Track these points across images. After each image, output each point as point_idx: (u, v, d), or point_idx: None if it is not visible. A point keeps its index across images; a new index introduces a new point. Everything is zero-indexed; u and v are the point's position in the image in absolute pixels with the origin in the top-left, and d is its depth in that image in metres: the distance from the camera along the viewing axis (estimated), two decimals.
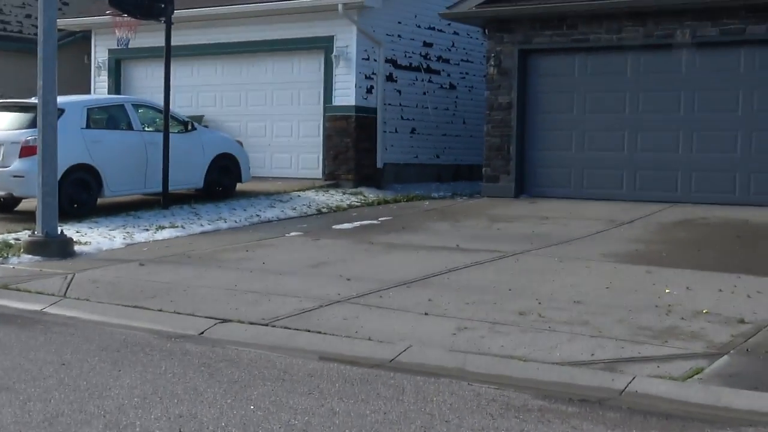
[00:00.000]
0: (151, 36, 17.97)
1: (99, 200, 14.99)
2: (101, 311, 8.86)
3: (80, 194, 14.57)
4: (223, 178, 16.77)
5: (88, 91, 21.47)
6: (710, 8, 14.94)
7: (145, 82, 20.92)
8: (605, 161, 16.12)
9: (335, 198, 17.04)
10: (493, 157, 16.93)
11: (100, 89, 21.49)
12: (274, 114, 19.62)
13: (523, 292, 9.00)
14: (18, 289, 9.70)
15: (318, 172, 18.99)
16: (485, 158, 17.09)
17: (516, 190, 16.75)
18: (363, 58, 18.49)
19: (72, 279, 10.10)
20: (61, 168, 13.56)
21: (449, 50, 20.82)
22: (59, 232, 11.75)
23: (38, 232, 11.65)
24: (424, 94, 20.15)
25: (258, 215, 14.92)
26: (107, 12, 16.08)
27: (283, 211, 15.43)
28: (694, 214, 14.12)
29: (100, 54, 21.55)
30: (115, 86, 21.44)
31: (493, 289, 9.16)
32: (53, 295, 9.51)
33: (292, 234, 13.16)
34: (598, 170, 16.22)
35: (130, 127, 15.54)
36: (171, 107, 15.62)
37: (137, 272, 10.51)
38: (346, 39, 18.40)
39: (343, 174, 18.52)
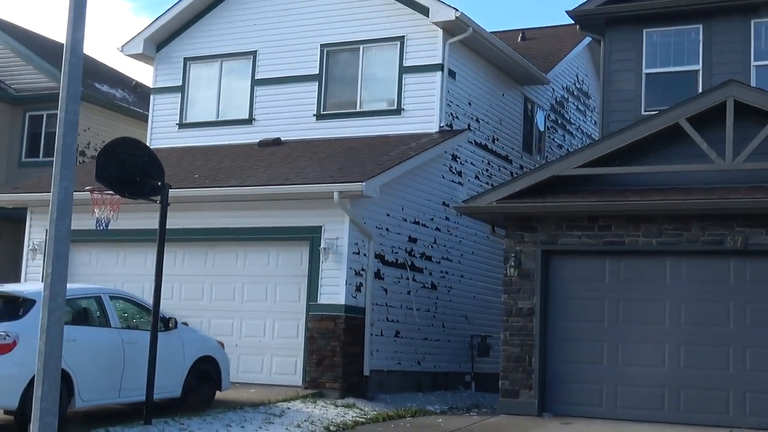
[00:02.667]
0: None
1: (68, 411, 12.30)
2: None
3: None
4: (203, 385, 14.31)
5: (17, 278, 18.79)
6: (763, 213, 13.73)
7: (89, 269, 18.42)
8: (643, 378, 14.41)
9: (332, 412, 14.70)
10: (512, 369, 15.01)
11: (32, 275, 18.83)
12: (244, 310, 17.34)
13: None
14: None
15: (296, 379, 16.62)
16: (502, 370, 15.14)
17: (539, 408, 14.79)
18: (354, 252, 16.58)
19: None
20: (30, 373, 11.09)
21: (431, 247, 19.14)
22: None
23: None
24: (408, 293, 18.27)
25: None
26: (87, 188, 13.82)
27: (287, 429, 13.01)
28: None
29: (35, 235, 19.00)
30: None
31: None
32: None
33: None
34: (635, 388, 14.46)
35: (106, 323, 13.06)
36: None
37: None
38: (337, 230, 16.50)
39: (328, 382, 16.21)
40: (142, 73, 67.44)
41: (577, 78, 26.52)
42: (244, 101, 21.07)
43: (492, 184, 21.28)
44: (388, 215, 17.62)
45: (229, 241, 17.50)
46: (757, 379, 13.78)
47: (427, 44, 19.33)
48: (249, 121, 20.86)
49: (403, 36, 19.54)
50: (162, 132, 21.63)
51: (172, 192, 14.89)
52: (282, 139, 20.24)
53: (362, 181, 15.92)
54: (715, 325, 14.10)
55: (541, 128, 24.17)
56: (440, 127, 19.13)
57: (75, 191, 15.51)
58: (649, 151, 14.59)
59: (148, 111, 26.74)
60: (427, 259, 18.98)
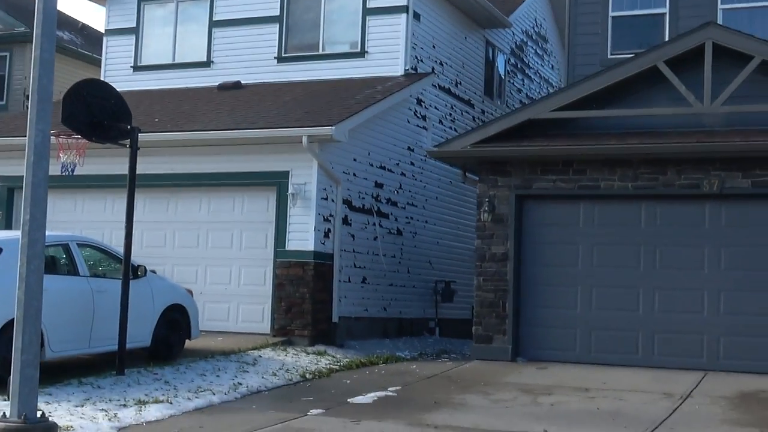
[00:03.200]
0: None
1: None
2: None
3: None
4: (172, 335, 13.96)
5: None
6: (740, 157, 13.66)
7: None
8: (617, 322, 14.38)
9: (304, 359, 14.48)
10: (486, 315, 14.88)
11: None
12: (209, 257, 16.95)
13: None
14: None
15: (264, 326, 16.33)
16: (476, 315, 15.01)
17: (513, 353, 14.71)
18: (322, 198, 16.26)
19: None
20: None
21: (397, 192, 18.87)
22: (39, 415, 8.76)
23: (12, 416, 8.60)
24: (375, 239, 18.02)
25: (240, 383, 12.18)
26: (52, 132, 13.23)
27: (263, 377, 12.75)
28: (748, 386, 12.46)
29: None
30: (6, 220, 18.26)
31: None
32: None
33: (314, 413, 10.56)
34: (609, 332, 14.44)
35: (75, 272, 12.61)
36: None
37: None
38: (305, 175, 16.14)
39: (297, 329, 15.96)
40: (88, 15, 65.79)
41: (536, 22, 26.24)
42: (202, 43, 20.48)
43: (456, 129, 21.06)
44: (355, 160, 17.29)
45: (192, 187, 17.03)
46: (731, 323, 13.82)
47: None
48: (207, 63, 20.30)
49: None
50: (116, 75, 20.87)
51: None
52: (242, 82, 19.74)
53: (332, 125, 15.56)
54: (690, 269, 14.08)
55: (502, 73, 23.91)
56: (405, 70, 18.78)
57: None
58: (625, 94, 14.42)
59: (96, 54, 26.14)
60: (393, 205, 18.72)
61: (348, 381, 12.95)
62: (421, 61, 19.41)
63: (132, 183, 12.66)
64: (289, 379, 12.88)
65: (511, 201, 14.85)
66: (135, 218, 16.96)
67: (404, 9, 18.87)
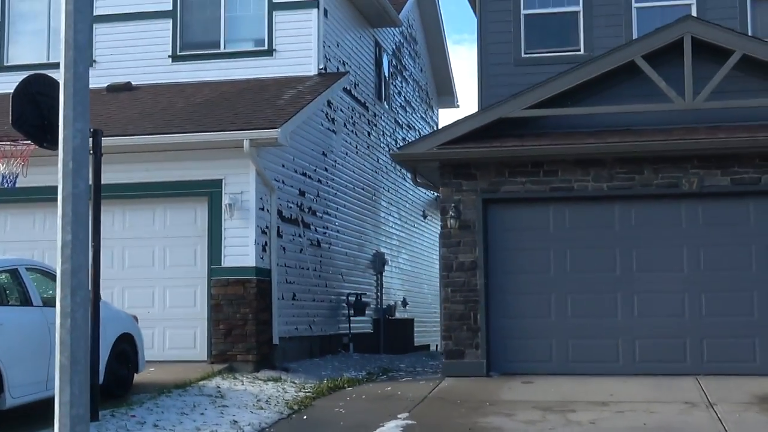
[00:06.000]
0: None
1: None
2: None
3: None
4: (121, 368, 12.21)
5: None
6: (719, 154, 13.34)
7: None
8: (595, 329, 13.75)
9: (267, 388, 13.01)
10: (455, 328, 13.88)
11: None
12: (126, 278, 15.03)
13: None
14: None
15: (197, 353, 14.66)
16: (444, 329, 13.98)
17: (487, 368, 13.79)
18: (260, 208, 14.78)
19: None
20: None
21: (315, 201, 17.58)
22: None
23: None
24: (301, 251, 16.66)
25: (236, 421, 10.64)
26: None
27: (252, 412, 11.23)
28: (753, 389, 12.11)
29: None
30: None
31: None
32: None
33: None
34: (587, 340, 13.78)
35: (27, 302, 10.71)
36: None
37: None
38: (241, 183, 14.60)
39: (239, 354, 14.38)
40: None
41: (408, 22, 25.46)
42: None
43: (356, 133, 20.00)
44: (283, 166, 15.92)
45: (105, 200, 15.04)
46: (713, 325, 13.47)
47: None
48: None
49: None
50: None
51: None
52: (133, 83, 17.87)
53: (277, 128, 14.15)
54: (669, 270, 13.64)
55: (387, 74, 23.00)
56: (319, 69, 17.52)
57: None
58: (598, 91, 13.83)
59: None
60: (313, 214, 17.44)
61: (342, 411, 11.62)
62: (329, 60, 18.20)
63: (97, 193, 10.87)
64: (279, 411, 11.42)
65: (477, 206, 13.95)
66: (39, 236, 15.10)
67: (314, 4, 17.63)
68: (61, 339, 7.19)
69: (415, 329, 22.75)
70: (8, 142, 10.85)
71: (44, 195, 14.56)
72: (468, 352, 13.81)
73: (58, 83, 11.15)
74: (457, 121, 13.97)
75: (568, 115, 13.95)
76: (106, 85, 17.86)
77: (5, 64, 18.69)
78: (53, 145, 10.72)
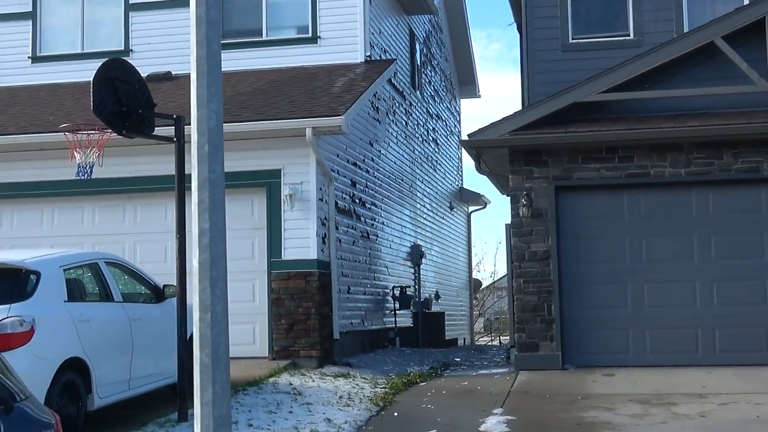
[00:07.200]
0: None
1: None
2: None
3: (68, 408, 9.03)
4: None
5: None
6: None
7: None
8: (673, 319, 13.32)
9: (341, 384, 12.53)
10: (529, 320, 13.44)
11: None
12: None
13: None
14: None
15: (257, 349, 14.20)
16: (518, 321, 13.54)
17: (563, 360, 13.37)
18: (319, 199, 14.30)
19: None
20: (53, 367, 8.46)
21: (365, 192, 17.10)
22: None
23: None
24: (353, 243, 16.19)
25: (330, 419, 10.18)
26: (62, 126, 10.69)
27: (341, 409, 10.81)
28: None
29: None
30: None
31: None
32: None
33: None
34: (666, 330, 13.35)
35: (108, 297, 10.22)
36: None
37: None
38: (301, 173, 14.12)
39: (302, 349, 13.91)
40: None
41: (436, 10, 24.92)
42: (115, 28, 17.86)
43: (395, 123, 19.53)
44: (337, 156, 15.44)
45: (156, 192, 14.49)
46: None
47: None
48: (126, 52, 17.66)
49: None
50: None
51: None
52: (173, 72, 17.33)
53: (341, 115, 13.67)
54: (750, 257, 13.23)
55: (419, 63, 22.51)
56: (366, 57, 17.01)
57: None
58: (673, 73, 13.41)
59: None
60: (362, 205, 16.96)
61: (429, 406, 11.17)
62: (373, 48, 17.69)
63: (181, 185, 10.37)
64: (367, 408, 10.96)
65: (550, 193, 13.51)
66: (79, 231, 14.58)
67: None
68: (201, 334, 6.78)
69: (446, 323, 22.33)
70: (84, 130, 10.29)
71: (48, 189, 14.16)
72: (542, 344, 13.37)
73: (135, 69, 10.73)
74: (529, 106, 13.58)
75: (643, 99, 13.51)
76: (146, 74, 17.25)
77: (39, 54, 18.10)
78: (133, 132, 10.29)
